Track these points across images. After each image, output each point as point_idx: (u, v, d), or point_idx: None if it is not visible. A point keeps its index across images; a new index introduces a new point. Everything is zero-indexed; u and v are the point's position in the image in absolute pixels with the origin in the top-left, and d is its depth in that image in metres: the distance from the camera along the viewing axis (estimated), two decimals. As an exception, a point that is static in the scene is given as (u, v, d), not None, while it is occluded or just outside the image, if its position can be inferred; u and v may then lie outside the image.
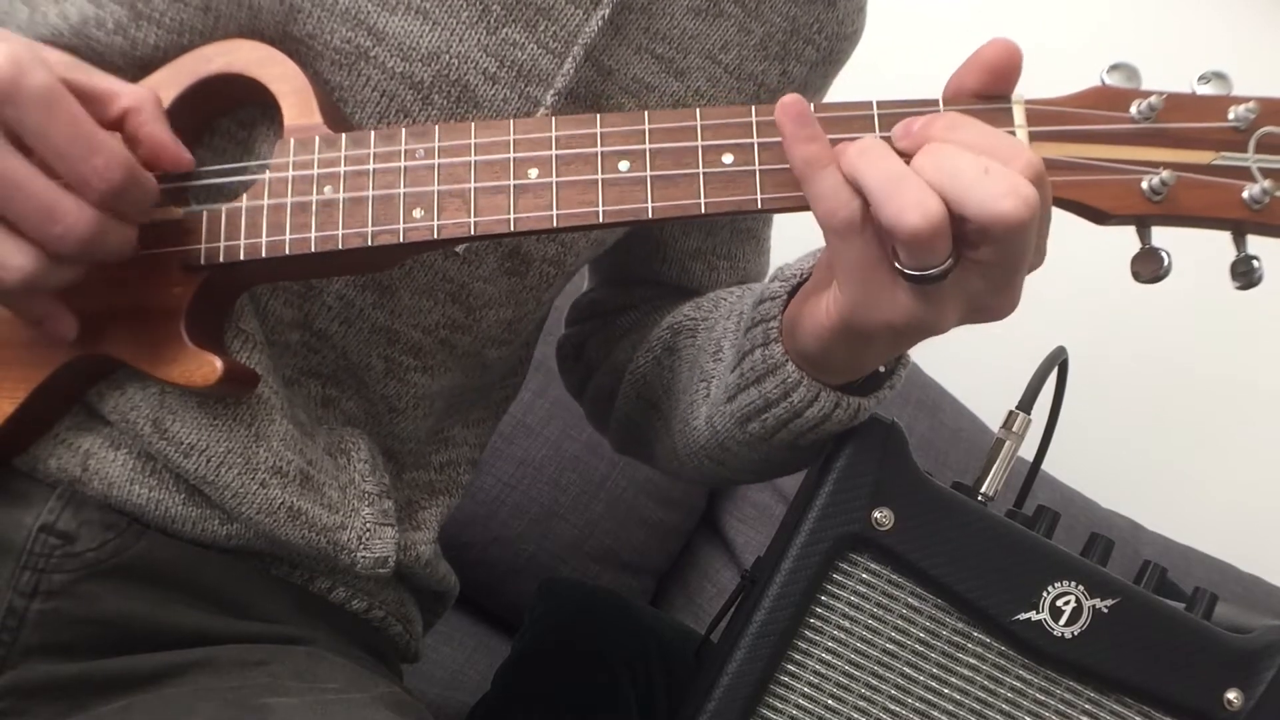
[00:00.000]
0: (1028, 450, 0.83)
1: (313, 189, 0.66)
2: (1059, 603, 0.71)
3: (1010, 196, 0.57)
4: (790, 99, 0.61)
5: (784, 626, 0.72)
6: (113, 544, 0.72)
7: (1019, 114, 0.62)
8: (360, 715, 0.69)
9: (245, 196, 0.67)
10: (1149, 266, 0.63)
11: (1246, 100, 0.62)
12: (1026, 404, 0.79)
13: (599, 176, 0.64)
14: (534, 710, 0.95)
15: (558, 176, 0.65)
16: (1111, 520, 1.53)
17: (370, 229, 0.65)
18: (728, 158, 0.64)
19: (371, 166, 0.66)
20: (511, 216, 0.65)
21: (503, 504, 1.44)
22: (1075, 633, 0.71)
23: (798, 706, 0.73)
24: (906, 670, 0.73)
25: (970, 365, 1.52)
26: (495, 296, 0.78)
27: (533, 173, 0.65)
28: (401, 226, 0.65)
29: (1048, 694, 0.73)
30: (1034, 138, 0.62)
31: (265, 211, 0.66)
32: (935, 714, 0.73)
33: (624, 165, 0.64)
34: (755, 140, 0.64)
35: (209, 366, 0.67)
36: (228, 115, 0.71)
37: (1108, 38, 1.61)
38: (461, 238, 0.65)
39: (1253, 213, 0.61)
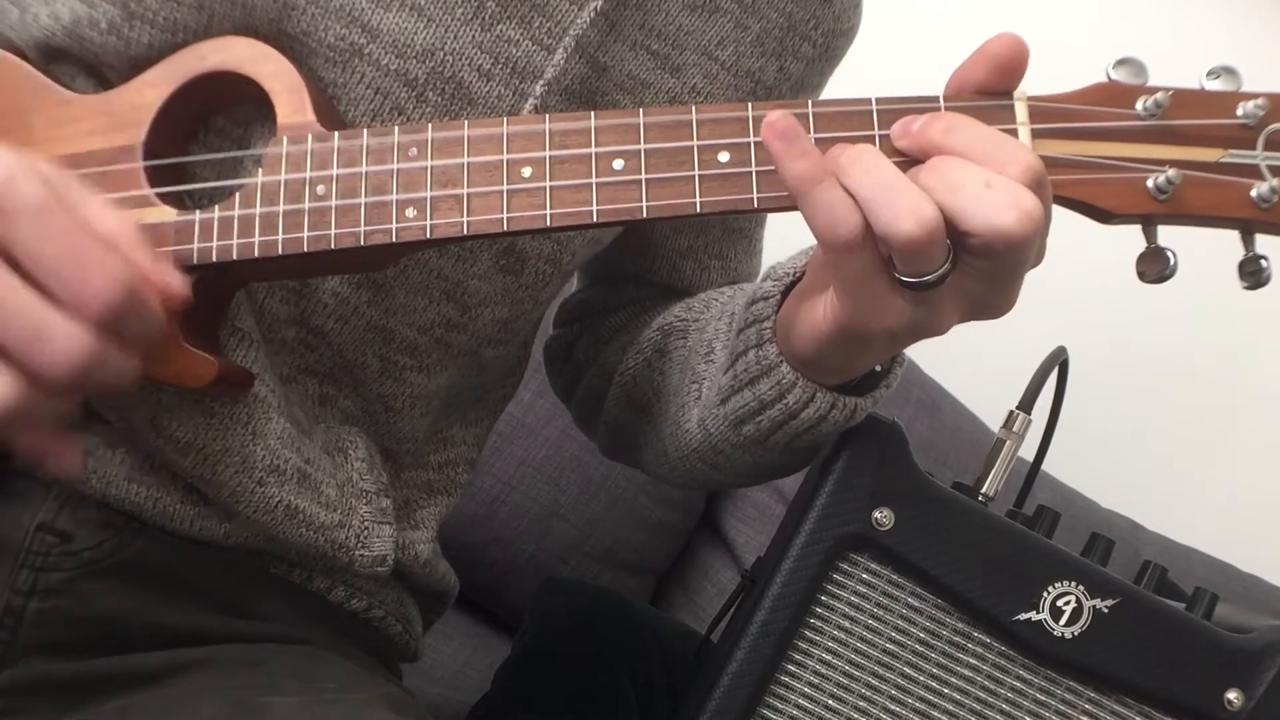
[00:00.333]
0: (1028, 450, 0.83)
1: (305, 189, 0.66)
2: (1059, 603, 0.71)
3: (1012, 210, 0.56)
4: (774, 116, 0.59)
5: (784, 626, 0.72)
6: (111, 543, 0.72)
7: (1021, 111, 0.62)
8: (359, 715, 0.69)
9: (238, 196, 0.67)
10: (1155, 266, 0.62)
11: (1255, 96, 0.61)
12: (1027, 404, 0.79)
13: (593, 180, 0.64)
14: (534, 710, 0.95)
15: (551, 176, 0.64)
16: (1111, 520, 1.53)
17: (363, 229, 0.65)
18: (724, 156, 0.63)
19: (365, 168, 0.66)
20: (505, 216, 0.64)
21: (503, 504, 1.44)
22: (1075, 633, 0.71)
23: (798, 706, 0.73)
24: (907, 670, 0.73)
25: (970, 365, 1.52)
26: (491, 295, 0.77)
27: (526, 172, 0.64)
28: (394, 226, 0.65)
29: (1048, 694, 0.73)
30: (1036, 135, 0.61)
31: (258, 211, 0.66)
32: (935, 714, 0.73)
33: (618, 164, 0.64)
34: (752, 139, 0.63)
35: (205, 367, 0.66)
36: (222, 113, 0.71)
37: (1112, 33, 1.61)
38: (455, 237, 0.65)
39: (1261, 211, 0.61)
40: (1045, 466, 0.90)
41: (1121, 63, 0.62)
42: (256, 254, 0.66)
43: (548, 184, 0.64)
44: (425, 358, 0.78)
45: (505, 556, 1.44)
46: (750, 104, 0.64)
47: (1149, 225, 0.63)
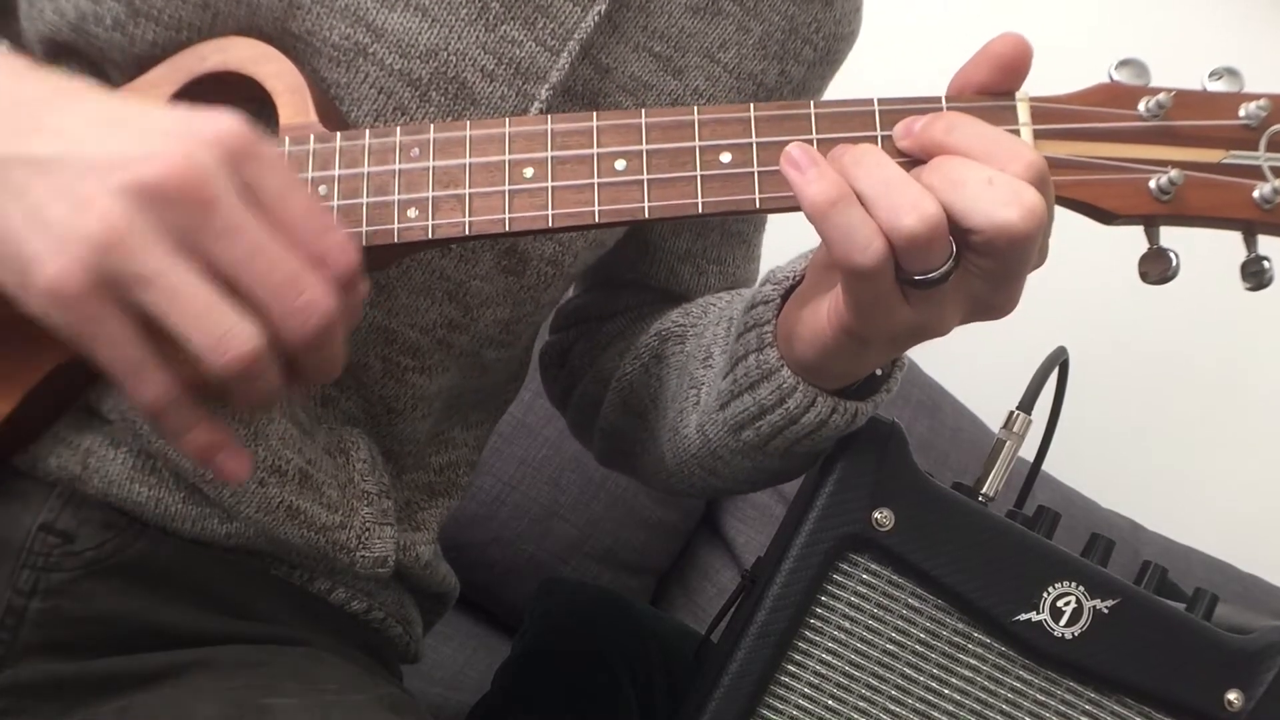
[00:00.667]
0: (1028, 450, 0.83)
1: (307, 189, 0.66)
2: (1059, 603, 0.71)
3: (1015, 206, 0.57)
4: (791, 148, 0.60)
5: (784, 627, 0.72)
6: (112, 543, 0.72)
7: (1023, 111, 0.62)
8: (359, 716, 0.69)
9: None
10: (1157, 267, 0.62)
11: (1258, 97, 0.61)
12: (1027, 404, 0.79)
13: (595, 181, 0.64)
14: (534, 710, 0.95)
15: (553, 176, 0.64)
16: (1112, 520, 1.53)
17: (365, 229, 0.65)
18: (726, 157, 0.63)
19: (367, 169, 0.66)
20: (507, 216, 0.64)
21: (503, 504, 1.44)
22: (1076, 633, 0.71)
23: (798, 707, 0.73)
24: (907, 671, 0.73)
25: (970, 365, 1.52)
26: (493, 295, 0.77)
27: (528, 172, 0.64)
28: (396, 226, 0.65)
29: (1048, 695, 0.73)
30: (1038, 136, 0.61)
31: None
32: (935, 715, 0.73)
33: (620, 165, 0.64)
34: (754, 140, 0.63)
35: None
36: None
37: (1113, 36, 1.61)
38: (457, 237, 0.65)
39: (1263, 213, 0.61)
40: (1045, 467, 0.90)
41: (1124, 64, 0.62)
42: None
43: (549, 184, 0.64)
44: (427, 359, 0.78)
45: (505, 556, 1.44)
46: (752, 105, 0.64)
47: (1151, 226, 0.63)
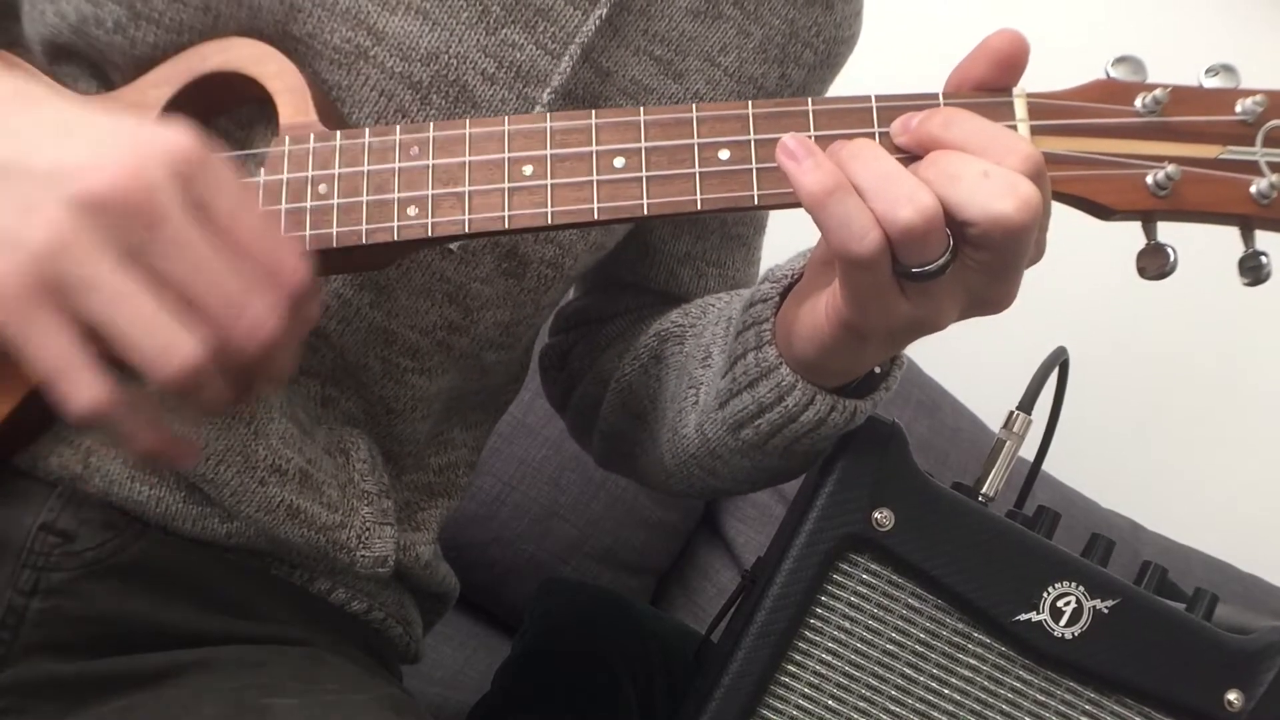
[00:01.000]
0: (1028, 450, 0.83)
1: (307, 187, 0.66)
2: (1059, 603, 0.71)
3: (1010, 197, 0.57)
4: (786, 139, 0.60)
5: (784, 627, 0.72)
6: (113, 543, 0.72)
7: (1020, 107, 0.62)
8: (359, 716, 0.69)
9: None
10: (1155, 262, 0.62)
11: (1254, 93, 0.61)
12: (1027, 404, 0.79)
13: (594, 178, 0.64)
14: (534, 710, 0.95)
15: (552, 174, 0.64)
16: (1111, 520, 1.52)
17: (365, 227, 0.65)
18: (724, 154, 0.63)
19: (366, 167, 0.66)
20: (506, 214, 0.65)
21: (503, 504, 1.44)
22: (1076, 633, 0.71)
23: (798, 707, 0.73)
24: (907, 671, 0.73)
25: (970, 365, 1.52)
26: (492, 298, 0.77)
27: (527, 170, 0.65)
28: (396, 224, 0.65)
29: (1048, 695, 0.73)
30: (1035, 131, 0.62)
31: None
32: (936, 715, 0.73)
33: (619, 162, 0.64)
34: (752, 136, 0.63)
35: None
36: (225, 115, 0.71)
37: (1110, 36, 1.61)
38: (456, 235, 0.65)
39: (1261, 208, 0.61)
40: (1045, 467, 0.90)
41: (1120, 60, 0.62)
42: None
43: (549, 182, 0.64)
44: (427, 360, 0.78)
45: (505, 556, 1.44)
46: (750, 102, 0.64)
47: (1149, 222, 0.63)
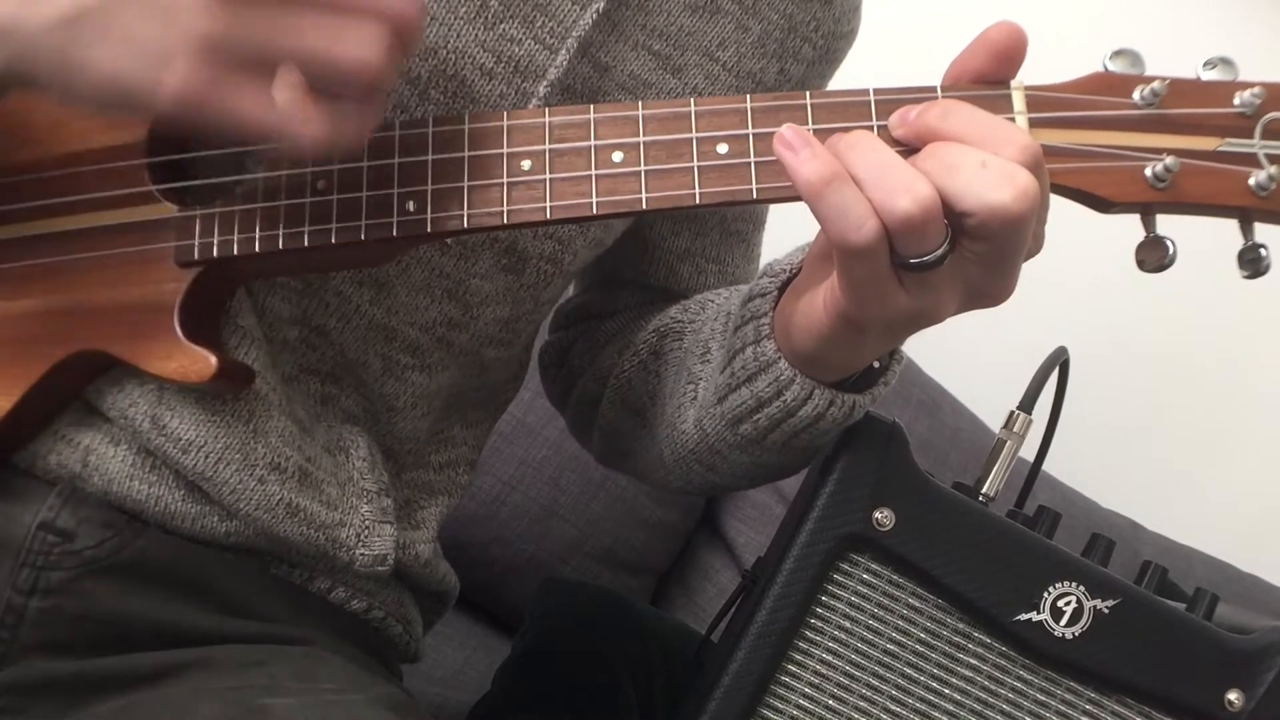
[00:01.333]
0: (1028, 450, 0.83)
1: (306, 184, 0.66)
2: (1060, 603, 0.71)
3: (1008, 187, 0.57)
4: (783, 130, 0.60)
5: (784, 627, 0.72)
6: (112, 542, 0.72)
7: (1019, 100, 0.62)
8: (359, 716, 0.69)
9: (240, 191, 0.67)
10: (1154, 255, 0.62)
11: (1252, 85, 0.61)
12: (1027, 404, 0.79)
13: (593, 173, 0.64)
14: (534, 710, 0.95)
15: (551, 169, 0.64)
16: (1111, 520, 1.52)
17: (364, 223, 0.65)
18: (722, 148, 0.63)
19: (365, 163, 0.66)
20: (505, 209, 0.65)
21: (503, 504, 1.44)
22: (1076, 633, 0.71)
23: (798, 707, 0.73)
24: (907, 671, 0.73)
25: (970, 365, 1.52)
26: (492, 294, 0.77)
27: (526, 165, 0.65)
28: (395, 220, 0.65)
29: (1049, 695, 0.73)
30: (1034, 124, 0.62)
31: (259, 206, 0.66)
32: (936, 715, 0.73)
33: (618, 156, 0.64)
34: (750, 130, 0.63)
35: (203, 362, 0.66)
36: None
37: (1109, 31, 1.61)
38: (455, 231, 0.65)
39: (1259, 200, 0.61)
40: (1045, 466, 0.90)
41: (1118, 53, 0.63)
42: (258, 249, 0.66)
43: (547, 176, 0.64)
44: (427, 357, 0.78)
45: (505, 556, 1.44)
46: (748, 96, 0.64)
47: (1148, 214, 0.63)
